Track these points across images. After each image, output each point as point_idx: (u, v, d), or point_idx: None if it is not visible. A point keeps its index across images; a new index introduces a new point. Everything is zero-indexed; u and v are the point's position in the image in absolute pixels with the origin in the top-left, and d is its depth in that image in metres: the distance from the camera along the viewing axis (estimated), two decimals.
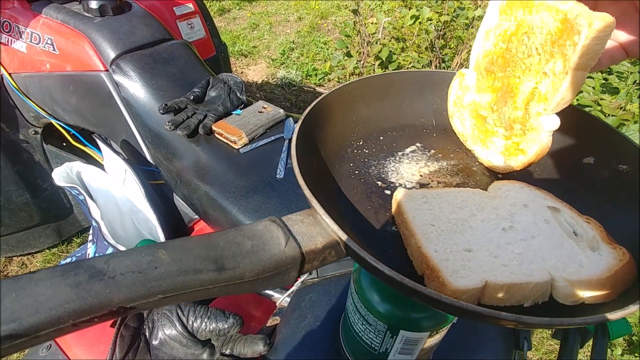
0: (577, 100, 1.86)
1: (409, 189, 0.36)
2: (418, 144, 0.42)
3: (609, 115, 1.68)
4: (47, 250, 1.53)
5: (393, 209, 0.35)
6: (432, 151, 0.42)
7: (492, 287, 0.26)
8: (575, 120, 0.39)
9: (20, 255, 1.50)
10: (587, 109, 1.76)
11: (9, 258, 1.51)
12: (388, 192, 0.37)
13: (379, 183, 0.38)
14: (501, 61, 0.38)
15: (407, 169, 0.39)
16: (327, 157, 0.39)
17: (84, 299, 0.18)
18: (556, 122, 0.34)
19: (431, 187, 0.38)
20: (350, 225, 0.34)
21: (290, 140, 0.89)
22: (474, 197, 0.35)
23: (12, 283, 0.18)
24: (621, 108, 1.71)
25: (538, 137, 0.35)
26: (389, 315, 0.39)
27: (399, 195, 0.34)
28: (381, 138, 0.43)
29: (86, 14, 1.02)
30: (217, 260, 0.22)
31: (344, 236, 0.25)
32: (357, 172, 0.39)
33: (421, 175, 0.39)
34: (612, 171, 0.36)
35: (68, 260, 1.30)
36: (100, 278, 0.19)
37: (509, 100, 0.38)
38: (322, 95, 0.40)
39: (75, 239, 1.57)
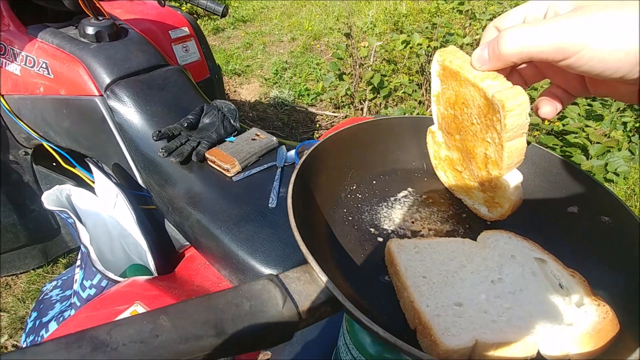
0: (564, 125, 1.91)
1: (401, 237, 0.37)
2: (410, 189, 0.44)
3: (594, 142, 1.73)
4: (32, 271, 1.50)
5: (386, 259, 0.35)
6: (424, 196, 0.43)
7: (482, 345, 0.27)
8: (560, 169, 0.40)
9: (4, 276, 1.47)
10: (573, 136, 1.80)
11: None
12: (381, 239, 0.38)
13: (372, 230, 0.39)
14: (454, 125, 0.38)
15: (399, 215, 0.40)
16: (321, 203, 0.39)
17: None
18: (518, 177, 0.35)
19: (422, 234, 0.39)
20: (344, 275, 0.34)
21: (282, 168, 0.90)
22: (463, 247, 0.36)
23: (18, 356, 0.18)
24: (606, 135, 1.76)
25: (506, 194, 0.36)
26: (381, 358, 0.39)
27: (392, 245, 0.35)
28: (374, 182, 0.44)
29: (82, 39, 1.03)
30: (216, 325, 0.23)
31: (340, 296, 0.26)
32: (350, 218, 0.40)
33: (413, 222, 0.40)
34: (595, 222, 0.37)
35: (53, 283, 1.28)
36: (103, 350, 0.19)
37: (472, 160, 0.38)
38: (318, 142, 0.41)
39: (61, 260, 1.54)
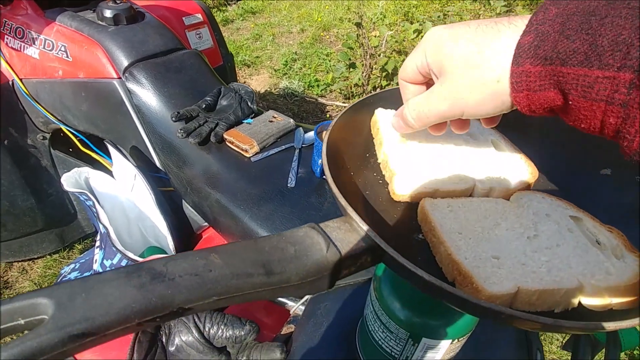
0: None
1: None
2: None
3: None
4: (49, 256, 1.52)
5: (419, 218, 0.36)
6: None
7: (525, 292, 0.27)
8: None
9: (21, 261, 1.50)
10: None
11: (9, 263, 1.50)
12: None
13: None
14: None
15: None
16: (352, 167, 0.40)
17: (149, 300, 0.19)
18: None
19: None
20: (379, 233, 0.34)
21: (300, 150, 0.90)
22: (497, 206, 0.36)
23: (81, 283, 0.18)
24: None
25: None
26: (411, 323, 0.39)
27: (425, 204, 0.35)
28: None
29: (100, 23, 1.03)
30: (265, 265, 0.23)
31: (381, 242, 0.26)
32: (380, 181, 0.40)
33: None
34: (630, 182, 0.37)
35: (72, 266, 1.30)
36: (162, 280, 0.20)
37: None
38: (350, 104, 0.41)
39: (77, 246, 1.56)
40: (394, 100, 0.46)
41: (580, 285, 0.28)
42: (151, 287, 0.19)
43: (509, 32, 0.25)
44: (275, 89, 2.82)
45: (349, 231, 0.28)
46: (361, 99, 0.43)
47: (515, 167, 0.39)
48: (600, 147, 0.41)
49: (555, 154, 0.42)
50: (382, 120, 0.42)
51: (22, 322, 0.17)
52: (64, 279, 1.24)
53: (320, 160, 0.79)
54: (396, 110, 0.45)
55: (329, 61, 3.05)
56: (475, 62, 0.26)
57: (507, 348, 0.56)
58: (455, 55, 0.28)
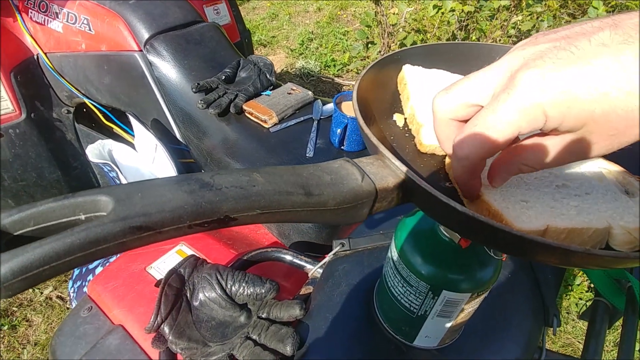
0: None
1: None
2: None
3: None
4: None
5: (447, 165, 0.36)
6: None
7: (554, 230, 0.27)
8: None
9: None
10: None
11: None
12: None
13: None
14: None
15: None
16: (378, 120, 0.40)
17: (199, 204, 0.20)
18: None
19: None
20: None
21: (319, 121, 0.90)
22: None
23: (137, 185, 0.20)
24: None
25: None
26: (432, 275, 0.40)
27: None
28: None
29: None
30: (304, 187, 0.24)
31: (414, 176, 0.27)
32: (407, 135, 0.40)
33: None
34: None
35: None
36: (210, 188, 0.21)
37: None
38: (378, 59, 0.41)
39: None
40: (421, 56, 0.45)
41: (608, 226, 0.28)
42: (201, 193, 0.21)
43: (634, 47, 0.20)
44: (291, 69, 2.81)
45: (382, 167, 0.29)
46: (388, 54, 0.43)
47: None
48: None
49: None
50: (410, 75, 0.42)
51: (82, 217, 0.19)
52: None
53: (338, 130, 0.80)
54: (423, 67, 0.45)
55: (346, 40, 3.01)
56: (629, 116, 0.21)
57: (523, 312, 0.56)
58: (614, 116, 0.21)
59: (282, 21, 3.36)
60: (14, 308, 1.41)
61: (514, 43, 0.32)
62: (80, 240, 0.17)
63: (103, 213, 0.19)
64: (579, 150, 0.24)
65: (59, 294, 1.50)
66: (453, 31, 2.26)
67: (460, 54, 0.45)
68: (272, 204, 0.22)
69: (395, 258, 0.44)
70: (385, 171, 0.28)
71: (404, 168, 0.27)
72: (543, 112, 0.22)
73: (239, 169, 0.24)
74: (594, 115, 0.21)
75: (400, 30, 2.17)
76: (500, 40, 2.11)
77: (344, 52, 2.87)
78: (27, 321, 1.39)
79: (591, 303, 0.66)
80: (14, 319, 1.38)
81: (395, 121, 0.41)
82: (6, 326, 1.35)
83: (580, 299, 1.42)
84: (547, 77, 0.22)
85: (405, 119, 0.40)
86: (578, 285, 1.44)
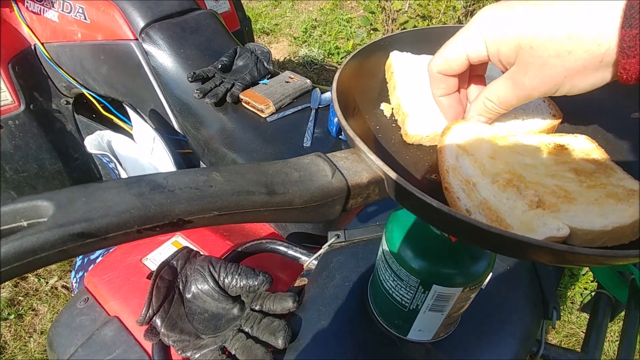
0: None
1: None
2: None
3: None
4: None
5: (438, 145, 0.35)
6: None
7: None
8: None
9: None
10: None
11: None
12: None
13: None
14: None
15: None
16: (364, 110, 0.38)
17: (147, 207, 0.19)
18: None
19: None
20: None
21: (317, 110, 0.89)
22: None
23: (81, 189, 0.19)
24: None
25: None
26: (421, 270, 0.39)
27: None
28: None
29: None
30: (267, 185, 0.23)
31: (389, 172, 0.25)
32: (393, 125, 0.38)
33: None
34: None
35: None
36: (161, 191, 0.20)
37: None
38: (363, 45, 0.39)
39: None
40: (409, 42, 0.44)
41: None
42: (150, 196, 0.19)
43: None
44: (294, 57, 2.77)
45: (357, 161, 0.27)
46: (374, 40, 0.41)
47: (537, 109, 0.37)
48: (629, 91, 0.38)
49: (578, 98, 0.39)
50: (397, 63, 0.40)
51: (24, 223, 0.18)
52: None
53: (336, 119, 0.78)
54: (412, 53, 0.43)
55: (350, 27, 2.96)
56: (566, 49, 0.24)
57: (522, 305, 0.55)
58: (536, 44, 0.25)
59: (285, 9, 3.31)
60: (20, 298, 1.43)
61: None
62: (15, 249, 0.16)
63: (44, 219, 0.18)
64: (519, 80, 0.27)
65: (64, 283, 1.52)
66: (459, 16, 2.20)
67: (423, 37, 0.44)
68: (230, 204, 0.21)
69: (386, 251, 0.42)
70: (360, 166, 0.27)
71: (379, 162, 0.25)
72: (484, 40, 0.27)
73: (198, 168, 0.22)
74: (521, 42, 0.25)
75: (405, 16, 2.13)
76: None
77: (348, 39, 2.83)
78: (33, 310, 1.41)
79: (593, 295, 0.64)
80: (20, 308, 1.40)
81: (382, 111, 0.39)
82: (13, 315, 1.37)
83: (585, 289, 1.40)
84: (497, 14, 0.27)
85: (392, 109, 0.39)
86: (583, 275, 1.42)
